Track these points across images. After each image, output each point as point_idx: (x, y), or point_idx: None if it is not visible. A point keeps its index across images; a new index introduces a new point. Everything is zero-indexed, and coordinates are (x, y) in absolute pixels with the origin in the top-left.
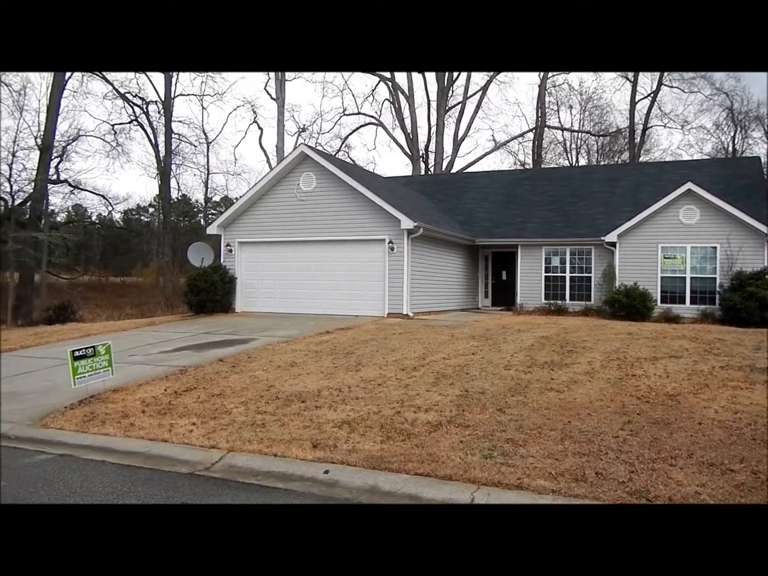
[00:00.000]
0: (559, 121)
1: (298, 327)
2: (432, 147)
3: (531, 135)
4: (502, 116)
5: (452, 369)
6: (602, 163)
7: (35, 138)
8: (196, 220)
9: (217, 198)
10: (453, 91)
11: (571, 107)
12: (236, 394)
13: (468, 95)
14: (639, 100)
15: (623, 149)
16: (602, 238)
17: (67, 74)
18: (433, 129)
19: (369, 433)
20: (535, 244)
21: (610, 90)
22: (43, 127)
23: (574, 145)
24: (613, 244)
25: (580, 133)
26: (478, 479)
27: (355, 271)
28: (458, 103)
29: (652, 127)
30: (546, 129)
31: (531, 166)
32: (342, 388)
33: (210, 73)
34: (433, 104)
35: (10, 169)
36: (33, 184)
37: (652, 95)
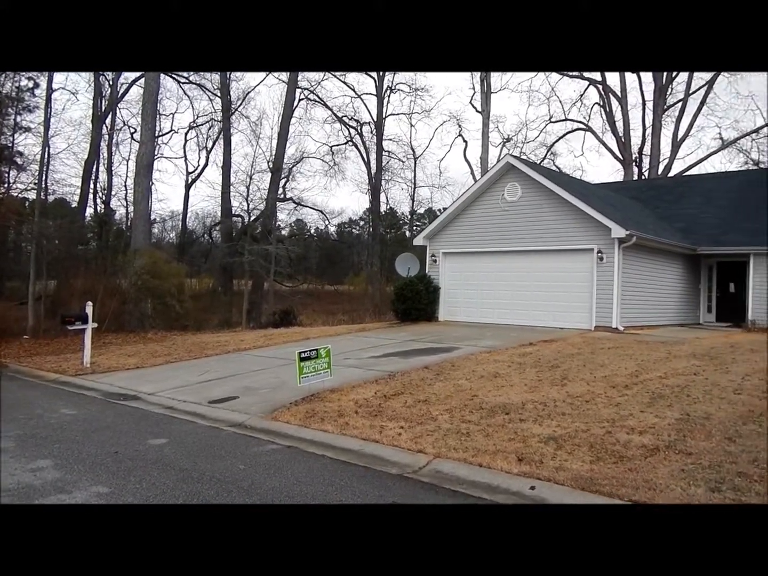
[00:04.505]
0: None
1: (500, 337)
2: (647, 150)
3: (767, 130)
4: (731, 111)
5: (670, 389)
6: None
7: (268, 162)
8: (402, 231)
9: (422, 210)
10: (672, 89)
11: None
12: (441, 401)
13: (690, 92)
14: None
15: None
16: None
17: (295, 103)
18: (648, 130)
19: (577, 451)
20: None
21: None
22: (274, 152)
23: None
24: None
25: None
26: None
27: (560, 281)
28: (678, 101)
29: None
30: None
31: (766, 165)
32: (547, 402)
33: (418, 92)
34: (649, 104)
35: (248, 190)
36: (265, 202)
37: None
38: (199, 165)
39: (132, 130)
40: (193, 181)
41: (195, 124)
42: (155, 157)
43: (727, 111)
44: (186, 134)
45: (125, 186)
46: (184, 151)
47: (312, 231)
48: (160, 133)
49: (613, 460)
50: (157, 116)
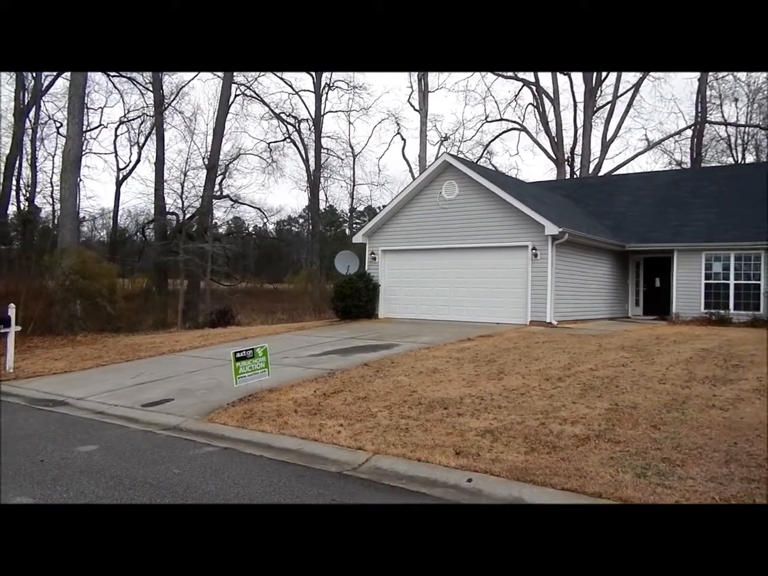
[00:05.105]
0: (723, 116)
1: (439, 333)
2: (578, 150)
3: (689, 132)
4: (656, 114)
5: (600, 381)
6: None
7: (203, 158)
8: (342, 229)
9: (361, 208)
10: (602, 91)
11: (736, 100)
12: (380, 398)
13: (618, 94)
14: None
15: None
16: None
17: (231, 98)
18: (580, 131)
19: (512, 443)
20: (694, 249)
21: None
22: (210, 148)
23: (740, 141)
24: None
25: (747, 128)
26: (631, 499)
27: (497, 278)
28: (607, 103)
29: None
30: (707, 125)
31: (689, 166)
32: (484, 396)
33: (357, 90)
34: (580, 105)
35: (182, 187)
36: (200, 200)
37: None
38: (130, 161)
39: (58, 125)
40: (125, 177)
41: (126, 119)
42: (83, 152)
43: (652, 113)
44: (116, 129)
45: (51, 182)
46: (115, 147)
47: (250, 229)
48: (88, 128)
49: (546, 451)
50: (85, 110)
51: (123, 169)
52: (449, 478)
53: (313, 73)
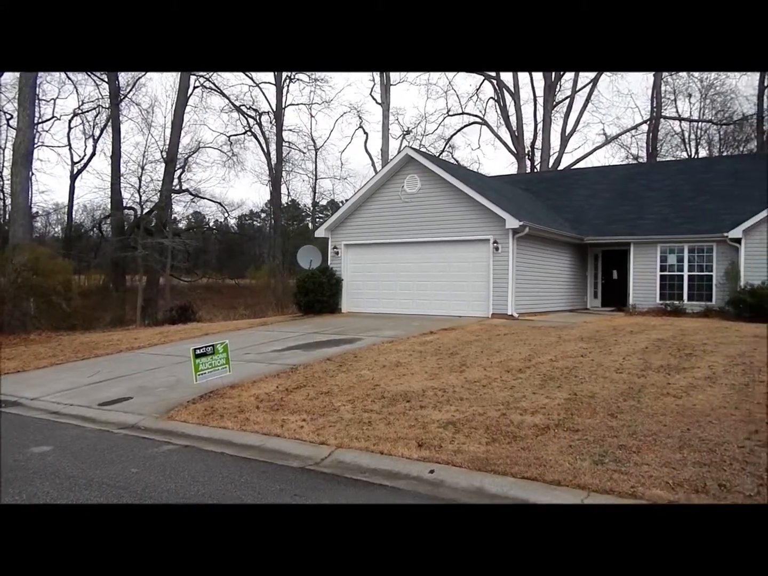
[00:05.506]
0: (677, 111)
1: (402, 327)
2: (538, 144)
3: (645, 127)
4: (613, 109)
5: (560, 371)
6: (725, 154)
7: (161, 152)
8: (305, 223)
9: (324, 202)
10: (561, 86)
11: (690, 95)
12: (343, 392)
13: (577, 89)
14: None
15: (750, 138)
16: (725, 234)
17: (189, 90)
18: (540, 125)
19: (474, 434)
20: (650, 241)
21: (735, 75)
22: (168, 142)
23: (693, 136)
24: (738, 241)
25: (700, 123)
26: (589, 485)
27: (459, 271)
28: (566, 98)
29: None
30: (662, 120)
31: (645, 160)
32: (446, 388)
33: (318, 82)
34: (540, 100)
35: (140, 181)
36: (159, 194)
37: None
38: (85, 154)
39: (8, 116)
40: (80, 171)
41: (80, 111)
42: (35, 145)
43: (609, 108)
44: (70, 121)
45: (2, 176)
46: (68, 140)
47: (211, 224)
48: (41, 120)
49: (507, 441)
50: (37, 101)
51: (78, 162)
52: (412, 470)
53: None
